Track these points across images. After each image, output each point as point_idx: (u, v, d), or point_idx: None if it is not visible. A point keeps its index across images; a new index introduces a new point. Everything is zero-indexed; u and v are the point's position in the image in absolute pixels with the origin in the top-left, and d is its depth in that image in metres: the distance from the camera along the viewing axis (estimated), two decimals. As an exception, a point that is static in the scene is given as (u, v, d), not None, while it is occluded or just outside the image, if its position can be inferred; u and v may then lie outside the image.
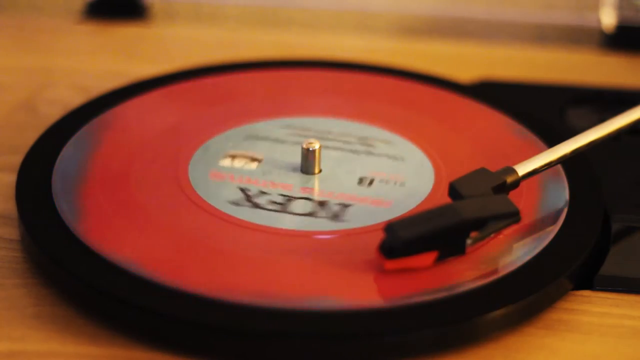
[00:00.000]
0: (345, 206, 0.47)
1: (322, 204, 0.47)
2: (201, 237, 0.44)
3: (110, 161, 0.49)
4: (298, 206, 0.46)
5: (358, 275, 0.43)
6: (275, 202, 0.46)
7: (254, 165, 0.48)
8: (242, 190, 0.47)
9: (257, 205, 0.46)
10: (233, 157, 0.48)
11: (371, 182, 0.48)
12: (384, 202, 0.47)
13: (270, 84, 0.57)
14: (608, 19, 0.69)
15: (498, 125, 0.54)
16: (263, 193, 0.47)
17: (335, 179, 0.49)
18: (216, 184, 0.48)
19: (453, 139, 0.52)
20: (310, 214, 0.46)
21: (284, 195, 0.47)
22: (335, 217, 0.46)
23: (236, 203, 0.46)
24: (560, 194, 0.48)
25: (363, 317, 0.41)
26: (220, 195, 0.46)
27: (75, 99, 0.58)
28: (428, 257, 0.43)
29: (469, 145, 0.52)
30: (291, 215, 0.46)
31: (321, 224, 0.45)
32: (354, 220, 0.46)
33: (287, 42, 0.68)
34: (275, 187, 0.48)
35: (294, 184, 0.48)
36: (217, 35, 0.70)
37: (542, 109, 0.57)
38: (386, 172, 0.49)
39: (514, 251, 0.44)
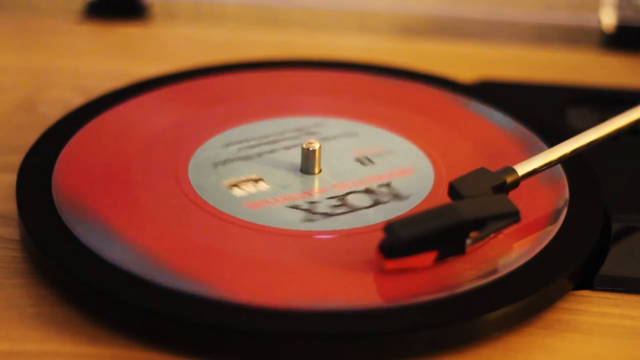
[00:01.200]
0: (340, 207, 0.47)
1: (315, 204, 0.47)
2: (201, 237, 0.44)
3: (110, 161, 0.49)
4: (356, 200, 0.46)
5: (358, 275, 0.43)
6: (335, 206, 0.46)
7: (263, 184, 0.48)
8: (295, 207, 0.47)
9: (328, 215, 0.46)
10: (236, 185, 0.47)
11: (370, 183, 0.48)
12: (380, 204, 0.47)
13: (270, 84, 0.57)
14: (608, 19, 0.69)
15: (498, 125, 0.54)
16: (313, 203, 0.47)
17: (334, 179, 0.48)
18: (215, 180, 0.47)
19: (453, 139, 0.52)
20: (376, 204, 0.46)
21: (332, 197, 0.47)
22: (396, 196, 0.46)
23: (308, 220, 0.46)
24: (560, 194, 0.48)
25: (363, 317, 0.41)
26: (282, 221, 0.45)
27: (75, 99, 0.58)
28: (428, 257, 0.43)
29: (469, 145, 0.52)
30: (366, 210, 0.46)
31: (395, 207, 0.46)
32: (410, 192, 0.46)
33: (287, 42, 0.68)
34: (273, 185, 0.47)
35: (291, 183, 0.48)
36: (217, 35, 0.70)
37: (542, 109, 0.57)
38: (386, 172, 0.49)
39: (514, 251, 0.44)
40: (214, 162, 0.49)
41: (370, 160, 0.50)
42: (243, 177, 0.47)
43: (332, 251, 0.44)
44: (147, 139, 0.51)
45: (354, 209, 0.46)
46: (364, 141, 0.52)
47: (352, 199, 0.47)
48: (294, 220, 0.45)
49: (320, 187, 0.48)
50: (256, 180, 0.48)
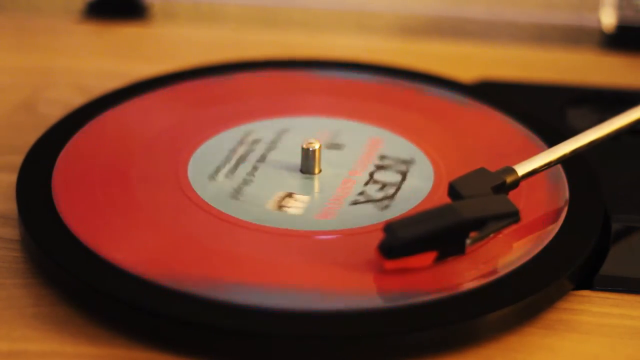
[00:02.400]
0: (337, 207, 0.47)
1: (315, 204, 0.47)
2: (202, 237, 0.44)
3: (110, 161, 0.49)
4: (292, 205, 0.46)
5: (358, 275, 0.43)
6: (381, 189, 0.47)
7: (300, 197, 0.48)
8: (356, 203, 0.47)
9: (389, 197, 0.47)
10: (281, 206, 0.47)
11: (369, 184, 0.48)
12: (378, 205, 0.47)
13: (270, 84, 0.57)
14: (608, 19, 0.69)
15: (498, 125, 0.54)
16: (362, 194, 0.47)
17: (333, 179, 0.48)
18: (214, 179, 0.47)
19: (453, 139, 0.52)
20: (404, 177, 0.47)
21: (367, 183, 0.48)
22: (326, 217, 0.46)
23: (383, 208, 0.46)
24: (560, 194, 0.48)
25: (363, 317, 0.41)
26: (215, 191, 0.46)
27: (75, 99, 0.58)
28: (427, 257, 0.43)
29: (469, 145, 0.52)
30: (281, 214, 0.46)
31: (311, 225, 0.45)
32: (342, 221, 0.46)
33: (287, 42, 0.68)
34: (272, 185, 0.48)
35: (291, 182, 0.48)
36: (217, 35, 0.70)
37: (542, 109, 0.57)
38: (386, 172, 0.49)
39: (514, 251, 0.44)
40: (214, 162, 0.49)
41: (370, 161, 0.50)
42: (277, 197, 0.47)
43: (332, 251, 0.44)
44: (147, 139, 0.51)
45: (394, 185, 0.47)
46: (363, 141, 0.52)
47: (381, 177, 0.47)
48: (373, 214, 0.46)
49: (344, 179, 0.48)
50: (290, 195, 0.47)
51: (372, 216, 0.46)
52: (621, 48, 0.68)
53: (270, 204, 0.46)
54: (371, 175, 0.49)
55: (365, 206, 0.46)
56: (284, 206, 0.46)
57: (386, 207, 0.46)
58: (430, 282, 0.42)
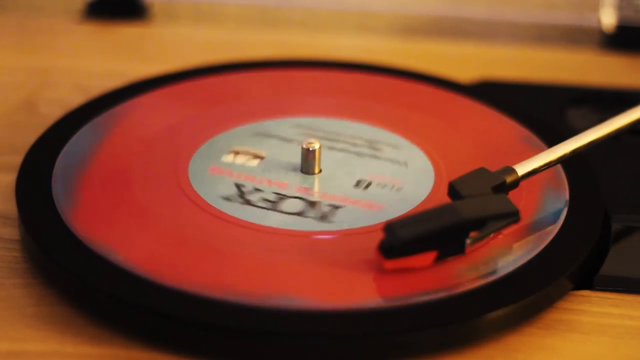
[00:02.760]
0: (336, 207, 0.47)
1: (313, 204, 0.47)
2: (202, 237, 0.44)
3: (110, 161, 0.49)
4: (289, 205, 0.46)
5: (357, 275, 0.43)
6: (267, 200, 0.47)
7: (255, 162, 0.48)
8: (237, 186, 0.47)
9: (248, 202, 0.46)
10: (236, 152, 0.48)
11: (369, 184, 0.48)
12: (377, 205, 0.47)
13: (270, 84, 0.57)
14: (608, 19, 0.69)
15: (498, 125, 0.54)
16: (257, 190, 0.47)
17: (333, 179, 0.48)
18: (214, 178, 0.48)
19: (453, 139, 0.52)
20: (298, 214, 0.46)
21: (278, 194, 0.47)
22: (323, 217, 0.46)
23: (228, 199, 0.46)
24: (560, 194, 0.48)
25: (363, 317, 0.41)
26: (215, 191, 0.46)
27: (75, 99, 0.58)
28: (427, 257, 0.43)
29: (469, 145, 0.52)
30: (279, 214, 0.46)
31: (308, 224, 0.45)
32: (341, 222, 0.46)
33: (287, 42, 0.68)
34: (271, 184, 0.48)
35: (290, 183, 0.48)
36: (217, 35, 0.70)
37: (542, 109, 0.57)
38: (386, 172, 0.49)
39: (514, 251, 0.44)
40: (215, 162, 0.49)
41: (370, 161, 0.50)
42: (251, 149, 0.48)
43: (331, 251, 0.44)
44: (147, 139, 0.51)
45: (393, 186, 0.47)
46: (363, 141, 0.52)
47: (380, 178, 0.48)
48: (217, 194, 0.46)
49: (296, 185, 0.48)
50: (255, 157, 0.48)
51: (369, 217, 0.46)
52: (621, 48, 0.68)
53: (231, 151, 0.48)
54: (369, 176, 0.49)
55: (361, 207, 0.46)
56: (236, 154, 0.47)
57: (383, 208, 0.46)
58: (430, 282, 0.42)
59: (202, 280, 0.42)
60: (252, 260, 0.43)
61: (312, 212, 0.46)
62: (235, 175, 0.48)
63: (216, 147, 0.51)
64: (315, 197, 0.47)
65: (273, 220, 0.45)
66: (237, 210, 0.46)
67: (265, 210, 0.46)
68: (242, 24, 0.74)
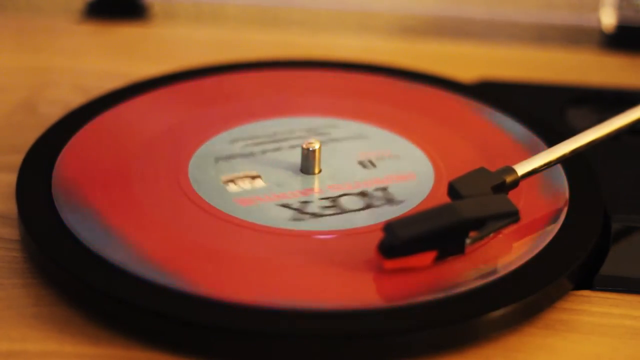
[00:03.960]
0: (384, 189, 0.47)
1: (363, 194, 0.47)
2: (201, 238, 0.44)
3: (110, 161, 0.49)
4: (349, 203, 0.47)
5: (357, 275, 0.43)
6: (325, 207, 0.46)
7: (259, 181, 0.48)
8: (286, 206, 0.47)
9: (316, 215, 0.46)
10: (232, 181, 0.47)
11: (369, 184, 0.48)
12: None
13: (270, 84, 0.57)
14: (608, 19, 0.69)
15: (498, 125, 0.54)
16: (305, 202, 0.47)
17: (333, 179, 0.48)
18: (230, 193, 0.47)
19: (453, 139, 0.52)
20: (368, 207, 0.46)
21: (326, 198, 0.47)
22: (389, 200, 0.46)
23: (297, 219, 0.46)
24: (560, 194, 0.48)
25: (363, 317, 0.41)
26: (272, 218, 0.45)
27: (75, 99, 0.58)
28: (427, 257, 0.43)
29: (469, 145, 0.52)
30: (356, 213, 0.46)
31: (387, 211, 0.46)
32: (404, 198, 0.46)
33: (287, 42, 0.68)
34: (298, 195, 0.47)
35: (309, 186, 0.48)
36: (217, 35, 0.70)
37: (542, 109, 0.57)
38: (386, 172, 0.49)
39: (514, 251, 0.44)
40: (215, 162, 0.49)
41: (370, 162, 0.50)
42: (241, 174, 0.48)
43: (331, 251, 0.44)
44: (147, 139, 0.51)
45: (344, 211, 0.46)
46: (363, 141, 0.52)
47: (345, 201, 0.47)
48: (281, 218, 0.45)
49: (318, 187, 0.48)
50: (254, 177, 0.48)
51: (365, 219, 0.46)
52: (621, 48, 0.68)
53: (225, 178, 0.47)
54: (366, 176, 0.49)
55: (286, 211, 0.46)
56: (233, 182, 0.47)
57: (379, 207, 0.46)
58: (430, 282, 0.42)
59: (202, 281, 0.42)
60: (252, 261, 0.43)
61: (376, 201, 0.46)
62: (267, 198, 0.47)
63: (216, 148, 0.51)
64: (310, 198, 0.47)
65: (261, 216, 0.45)
66: (237, 210, 0.46)
67: (258, 208, 0.46)
68: (242, 24, 0.74)
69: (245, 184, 0.47)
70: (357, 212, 0.46)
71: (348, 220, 0.46)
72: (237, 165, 0.49)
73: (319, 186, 0.48)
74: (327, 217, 0.46)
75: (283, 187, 0.48)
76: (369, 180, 0.49)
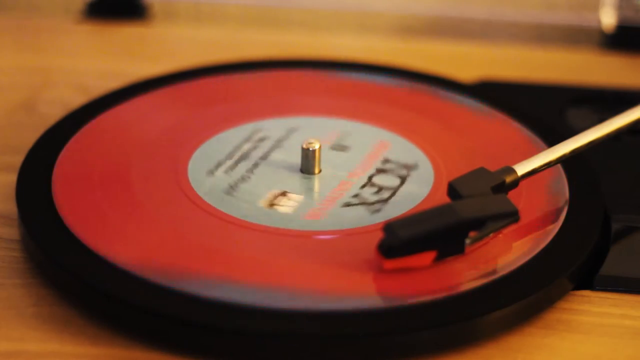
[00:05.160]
0: (388, 160, 0.48)
1: (383, 170, 0.48)
2: (201, 238, 0.44)
3: (110, 161, 0.49)
4: (386, 181, 0.48)
5: (357, 275, 0.43)
6: (377, 192, 0.47)
7: (294, 196, 0.48)
8: (348, 205, 0.46)
9: (383, 201, 0.47)
10: (273, 204, 0.47)
11: (367, 186, 0.48)
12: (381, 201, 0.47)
13: (270, 84, 0.57)
14: (608, 19, 0.69)
15: (498, 125, 0.54)
16: (356, 196, 0.47)
17: (333, 179, 0.48)
18: (291, 214, 0.47)
19: (453, 139, 0.52)
20: (403, 180, 0.47)
21: (364, 186, 0.48)
22: (408, 167, 0.48)
23: (374, 212, 0.46)
24: (560, 194, 0.48)
25: (363, 317, 0.41)
26: (354, 221, 0.45)
27: (75, 99, 0.58)
28: (427, 257, 0.43)
29: (469, 145, 0.52)
30: (402, 187, 0.47)
31: (418, 179, 0.47)
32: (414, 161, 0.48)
33: (287, 42, 0.68)
34: (340, 192, 0.47)
35: (334, 183, 0.48)
36: (217, 35, 0.70)
37: (542, 109, 0.57)
38: (385, 172, 0.49)
39: (514, 251, 0.44)
40: (214, 162, 0.49)
41: (371, 163, 0.50)
42: (270, 195, 0.47)
43: (331, 251, 0.44)
44: (147, 139, 0.51)
45: (394, 190, 0.47)
46: (363, 141, 0.52)
47: (380, 181, 0.47)
48: (363, 217, 0.45)
49: (342, 181, 0.48)
50: (283, 194, 0.47)
51: (362, 218, 0.46)
52: (621, 48, 0.68)
53: (263, 202, 0.46)
54: (370, 178, 0.49)
55: (357, 208, 0.46)
56: (276, 204, 0.46)
57: (378, 210, 0.46)
58: (430, 282, 0.42)
59: (202, 281, 0.42)
60: (252, 261, 0.43)
61: (305, 213, 0.46)
62: (327, 204, 0.47)
63: (216, 148, 0.51)
64: (310, 198, 0.47)
65: (345, 222, 0.45)
66: (237, 210, 0.46)
67: (257, 208, 0.46)
68: (242, 24, 0.74)
69: (288, 202, 0.47)
70: (402, 187, 0.47)
71: (409, 196, 0.47)
72: (237, 166, 0.49)
73: (341, 180, 0.48)
74: (392, 200, 0.47)
75: (320, 193, 0.47)
76: (365, 162, 0.49)
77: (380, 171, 0.49)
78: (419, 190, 0.48)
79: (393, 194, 0.47)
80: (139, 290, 0.41)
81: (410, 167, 0.49)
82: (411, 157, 0.50)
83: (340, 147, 0.51)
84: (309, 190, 0.48)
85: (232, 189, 0.47)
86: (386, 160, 0.50)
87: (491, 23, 0.73)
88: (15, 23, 0.70)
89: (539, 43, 0.71)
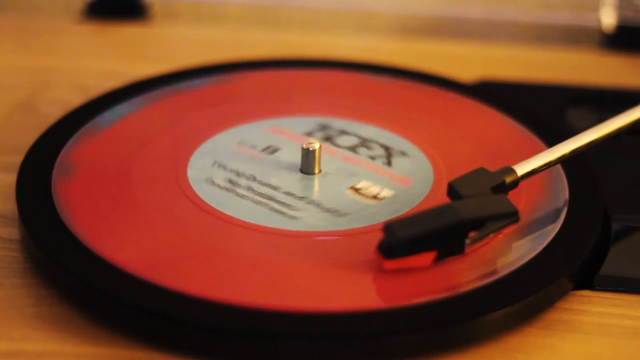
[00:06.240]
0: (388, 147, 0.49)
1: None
2: (201, 238, 0.44)
3: (109, 161, 0.49)
4: (355, 197, 0.47)
5: (357, 275, 0.43)
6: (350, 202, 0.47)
7: (386, 191, 0.48)
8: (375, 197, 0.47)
9: (376, 197, 0.47)
10: (356, 190, 0.47)
11: (369, 184, 0.48)
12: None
13: (270, 83, 0.57)
14: (608, 19, 0.69)
15: (498, 125, 0.54)
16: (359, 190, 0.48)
17: (333, 179, 0.48)
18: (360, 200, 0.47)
19: (453, 139, 0.52)
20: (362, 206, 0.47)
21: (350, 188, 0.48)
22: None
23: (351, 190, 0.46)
24: (560, 194, 0.48)
25: (363, 317, 0.41)
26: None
27: (75, 99, 0.58)
28: (427, 257, 0.43)
29: (469, 145, 0.52)
30: (369, 208, 0.47)
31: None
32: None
33: (287, 42, 0.68)
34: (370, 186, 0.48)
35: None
36: (217, 35, 0.70)
37: (542, 109, 0.57)
38: (385, 172, 0.49)
39: (514, 251, 0.44)
40: (214, 162, 0.49)
41: (369, 165, 0.50)
42: (364, 184, 0.48)
43: (330, 252, 0.44)
44: (147, 139, 0.51)
45: (380, 192, 0.47)
46: (363, 141, 0.52)
47: (372, 184, 0.48)
48: (334, 221, 0.46)
49: (337, 182, 0.48)
50: (376, 196, 0.48)
51: (369, 217, 0.46)
52: (621, 48, 0.68)
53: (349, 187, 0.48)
54: (362, 180, 0.48)
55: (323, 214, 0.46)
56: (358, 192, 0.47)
57: (344, 214, 0.46)
58: (430, 283, 0.42)
59: (202, 281, 0.42)
60: (252, 261, 0.43)
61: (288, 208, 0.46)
62: (235, 177, 0.47)
63: (216, 148, 0.51)
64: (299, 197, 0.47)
65: (275, 220, 0.45)
66: (237, 210, 0.46)
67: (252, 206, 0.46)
68: (242, 24, 0.74)
69: (370, 191, 0.47)
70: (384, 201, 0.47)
71: (262, 218, 0.46)
72: (237, 166, 0.49)
73: (332, 184, 0.48)
74: (366, 211, 0.46)
75: (309, 192, 0.48)
76: (370, 169, 0.49)
77: (376, 172, 0.49)
78: (418, 190, 0.48)
79: (381, 199, 0.47)
80: (138, 291, 0.41)
81: (407, 167, 0.49)
82: (411, 157, 0.50)
83: (339, 147, 0.51)
84: (302, 189, 0.48)
85: (234, 189, 0.47)
86: (383, 160, 0.50)
87: (491, 23, 0.73)
88: (15, 23, 0.70)
89: (539, 43, 0.71)
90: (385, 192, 0.48)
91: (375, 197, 0.47)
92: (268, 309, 0.41)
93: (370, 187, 0.48)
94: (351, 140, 0.52)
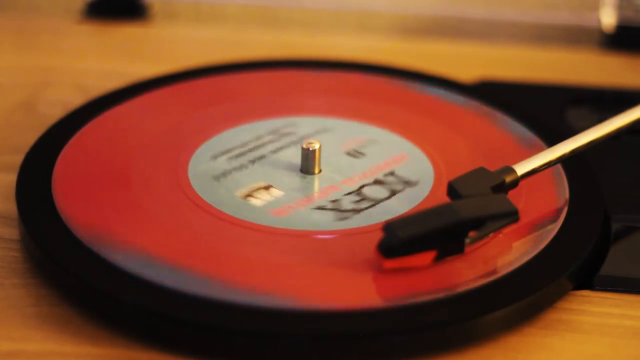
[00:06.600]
0: (392, 173, 0.48)
1: (379, 182, 0.48)
2: (201, 238, 0.44)
3: (110, 161, 0.49)
4: (374, 193, 0.47)
5: (356, 275, 0.43)
6: (357, 201, 0.47)
7: (275, 191, 0.48)
8: (321, 208, 0.46)
9: (357, 210, 0.46)
10: (250, 195, 0.47)
11: (357, 192, 0.48)
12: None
13: (270, 84, 0.57)
14: (608, 19, 0.69)
15: (498, 125, 0.54)
16: (335, 201, 0.47)
17: (333, 179, 0.48)
18: (260, 207, 0.46)
19: (453, 139, 0.52)
20: (394, 193, 0.47)
21: (350, 193, 0.47)
22: (406, 183, 0.48)
23: (341, 219, 0.45)
24: (560, 194, 0.48)
25: (362, 317, 0.41)
26: (313, 223, 0.45)
27: (75, 99, 0.58)
28: (427, 257, 0.43)
29: (469, 145, 0.52)
30: (387, 201, 0.47)
31: (412, 194, 0.47)
32: (417, 178, 0.48)
33: (287, 42, 0.68)
34: (322, 195, 0.47)
35: (324, 185, 0.48)
36: (217, 35, 0.70)
37: (542, 109, 0.57)
38: (385, 172, 0.49)
39: (514, 251, 0.44)
40: (215, 162, 0.49)
41: (370, 170, 0.50)
42: (254, 186, 0.47)
43: (330, 251, 0.44)
44: (147, 139, 0.51)
45: (376, 202, 0.46)
46: (363, 141, 0.52)
47: (369, 192, 0.47)
48: (327, 221, 0.45)
49: (331, 185, 0.48)
50: (266, 188, 0.47)
51: (326, 224, 0.45)
52: (621, 48, 0.68)
53: (240, 193, 0.47)
54: (361, 187, 0.48)
55: (326, 213, 0.46)
56: (252, 197, 0.46)
57: (345, 218, 0.46)
58: (429, 282, 0.42)
59: (202, 281, 0.42)
60: (252, 261, 0.43)
61: (345, 210, 0.46)
62: (299, 205, 0.47)
63: (215, 148, 0.51)
64: (335, 196, 0.47)
65: (305, 223, 0.45)
66: (237, 210, 0.46)
67: (297, 216, 0.46)
68: (242, 24, 0.74)
69: (265, 195, 0.47)
70: (388, 200, 0.47)
71: (386, 210, 0.46)
72: (237, 166, 0.49)
73: (333, 184, 0.48)
74: (366, 211, 0.46)
75: (301, 191, 0.47)
76: (372, 169, 0.49)
77: (377, 182, 0.48)
78: (418, 190, 0.48)
79: (371, 206, 0.46)
80: (139, 290, 0.41)
81: (409, 184, 0.48)
82: (411, 157, 0.50)
83: (339, 147, 0.51)
84: (294, 189, 0.48)
85: (233, 190, 0.47)
86: (390, 174, 0.49)
87: (491, 23, 0.73)
88: (15, 23, 0.70)
89: (539, 43, 0.71)
90: (385, 192, 0.48)
91: (375, 197, 0.47)
92: (267, 308, 0.41)
93: (370, 187, 0.48)
94: (351, 140, 0.52)
